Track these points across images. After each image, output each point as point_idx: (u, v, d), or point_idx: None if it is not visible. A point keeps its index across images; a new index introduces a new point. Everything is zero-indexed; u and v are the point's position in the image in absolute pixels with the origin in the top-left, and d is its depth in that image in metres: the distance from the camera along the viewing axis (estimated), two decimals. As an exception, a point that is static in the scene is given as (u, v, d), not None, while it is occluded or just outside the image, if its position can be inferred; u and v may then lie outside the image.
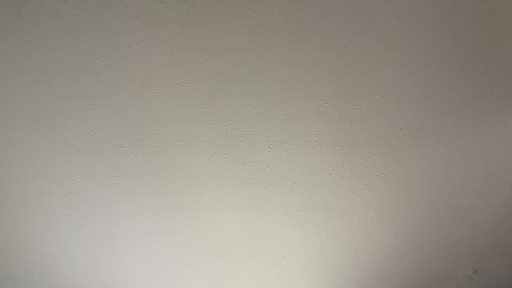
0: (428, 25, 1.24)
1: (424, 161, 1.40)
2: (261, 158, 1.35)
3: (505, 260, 1.61)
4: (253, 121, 1.31)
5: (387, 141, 1.37)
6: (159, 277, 1.53)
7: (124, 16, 1.16)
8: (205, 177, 1.36)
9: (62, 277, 1.48)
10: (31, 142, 1.28)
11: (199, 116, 1.29)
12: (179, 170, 1.35)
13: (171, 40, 1.20)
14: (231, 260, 1.51)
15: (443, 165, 1.42)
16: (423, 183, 1.44)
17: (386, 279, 1.61)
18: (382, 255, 1.55)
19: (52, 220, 1.39)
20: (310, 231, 1.48)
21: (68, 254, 1.45)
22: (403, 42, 1.25)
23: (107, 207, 1.39)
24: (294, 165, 1.37)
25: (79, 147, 1.30)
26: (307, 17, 1.20)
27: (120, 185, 1.35)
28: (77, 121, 1.27)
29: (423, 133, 1.37)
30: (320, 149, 1.36)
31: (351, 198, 1.44)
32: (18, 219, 1.38)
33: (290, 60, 1.24)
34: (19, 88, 1.22)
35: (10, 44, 1.17)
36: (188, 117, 1.29)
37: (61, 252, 1.44)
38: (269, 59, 1.24)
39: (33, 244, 1.42)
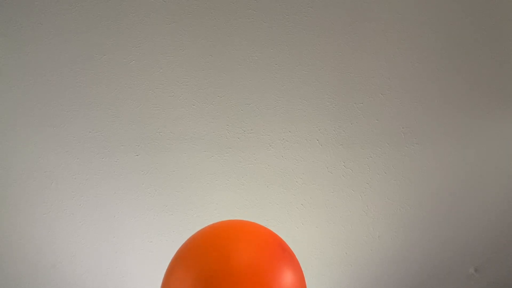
0: (432, 23, 1.23)
1: (426, 159, 1.40)
2: (263, 156, 1.35)
3: (507, 258, 1.60)
4: (254, 119, 1.31)
5: (389, 140, 1.36)
6: (160, 276, 1.53)
7: (126, 14, 1.16)
8: (207, 176, 1.36)
9: (63, 276, 1.49)
10: (32, 140, 1.29)
11: (201, 114, 1.29)
12: (181, 168, 1.35)
13: (172, 38, 1.19)
14: (232, 259, 1.51)
15: (445, 164, 1.42)
16: (425, 182, 1.44)
17: (387, 277, 1.61)
18: (384, 253, 1.55)
19: (54, 219, 1.39)
20: (311, 230, 1.48)
21: (69, 252, 1.45)
22: (406, 41, 1.25)
23: (108, 206, 1.39)
24: (295, 163, 1.37)
25: (81, 146, 1.30)
26: (309, 15, 1.20)
27: (122, 183, 1.36)
28: (78, 119, 1.27)
29: (425, 131, 1.36)
30: (321, 147, 1.36)
31: (352, 197, 1.44)
32: (19, 218, 1.39)
33: (292, 58, 1.24)
34: (20, 86, 1.22)
35: (11, 43, 1.18)
36: (189, 115, 1.29)
37: (63, 251, 1.45)
38: (270, 57, 1.24)
39: (34, 243, 1.43)
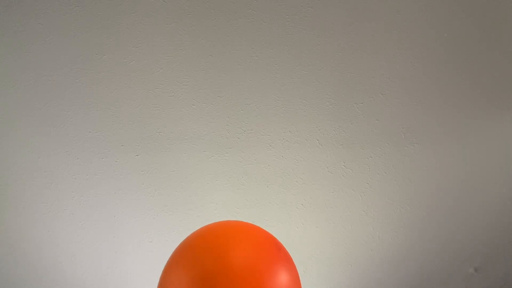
0: (432, 23, 1.23)
1: (426, 160, 1.40)
2: (263, 156, 1.35)
3: (507, 258, 1.60)
4: (254, 119, 1.31)
5: (389, 140, 1.36)
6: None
7: (126, 14, 1.16)
8: (207, 176, 1.36)
9: (63, 276, 1.49)
10: (32, 140, 1.29)
11: (200, 114, 1.29)
12: (181, 168, 1.35)
13: (172, 38, 1.19)
14: (232, 259, 1.51)
15: (445, 164, 1.42)
16: (425, 182, 1.44)
17: (387, 277, 1.60)
18: (384, 253, 1.55)
19: (54, 219, 1.39)
20: (311, 230, 1.48)
21: (69, 252, 1.45)
22: (406, 41, 1.25)
23: (108, 206, 1.39)
24: (295, 163, 1.37)
25: (81, 146, 1.30)
26: (309, 15, 1.20)
27: (122, 183, 1.36)
28: (78, 119, 1.27)
29: (425, 131, 1.36)
30: (321, 147, 1.36)
31: (352, 197, 1.44)
32: (19, 218, 1.39)
33: (292, 58, 1.24)
34: (20, 87, 1.22)
35: (12, 42, 1.18)
36: (189, 115, 1.29)
37: (63, 251, 1.45)
38: (270, 57, 1.24)
39: (34, 242, 1.43)
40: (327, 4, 1.19)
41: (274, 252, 0.77)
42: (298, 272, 1.65)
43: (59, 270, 1.48)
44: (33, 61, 1.20)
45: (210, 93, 1.26)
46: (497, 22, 1.25)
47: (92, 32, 1.17)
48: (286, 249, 1.56)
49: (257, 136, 1.33)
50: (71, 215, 1.39)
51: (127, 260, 1.48)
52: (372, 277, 1.60)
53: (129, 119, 1.28)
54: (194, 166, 1.35)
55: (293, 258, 1.59)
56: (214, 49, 1.22)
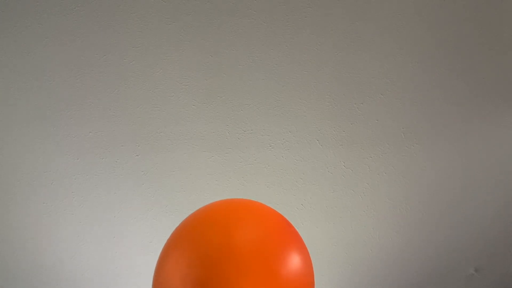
0: (432, 23, 1.23)
1: (426, 160, 1.40)
2: (263, 156, 1.35)
3: (507, 259, 1.60)
4: (254, 119, 1.31)
5: (389, 140, 1.36)
6: (160, 275, 1.53)
7: (126, 14, 1.16)
8: (207, 176, 1.36)
9: (63, 276, 1.49)
10: (33, 141, 1.29)
11: (201, 114, 1.29)
12: (181, 168, 1.35)
13: (172, 38, 1.19)
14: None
15: (445, 164, 1.42)
16: (425, 182, 1.44)
17: (387, 277, 1.60)
18: (384, 253, 1.55)
19: (54, 219, 1.39)
20: (311, 230, 1.48)
21: (70, 253, 1.45)
22: (405, 41, 1.25)
23: (109, 206, 1.39)
24: (295, 163, 1.37)
25: (81, 146, 1.30)
26: (309, 16, 1.20)
27: (122, 183, 1.36)
28: (79, 120, 1.27)
29: (424, 132, 1.36)
30: (321, 147, 1.36)
31: (352, 197, 1.44)
32: (20, 218, 1.39)
33: (292, 58, 1.24)
34: (20, 87, 1.22)
35: (11, 43, 1.18)
36: (189, 115, 1.29)
37: (63, 251, 1.45)
38: (270, 57, 1.24)
39: (34, 243, 1.43)
40: (327, 4, 1.19)
41: (284, 231, 0.69)
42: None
43: (59, 269, 1.48)
44: (33, 62, 1.20)
45: (210, 93, 1.26)
46: (497, 22, 1.25)
47: (92, 33, 1.17)
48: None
49: (257, 136, 1.33)
50: (71, 215, 1.39)
51: (127, 260, 1.48)
52: (372, 277, 1.60)
53: (129, 119, 1.28)
54: (194, 166, 1.35)
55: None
56: (214, 49, 1.22)
